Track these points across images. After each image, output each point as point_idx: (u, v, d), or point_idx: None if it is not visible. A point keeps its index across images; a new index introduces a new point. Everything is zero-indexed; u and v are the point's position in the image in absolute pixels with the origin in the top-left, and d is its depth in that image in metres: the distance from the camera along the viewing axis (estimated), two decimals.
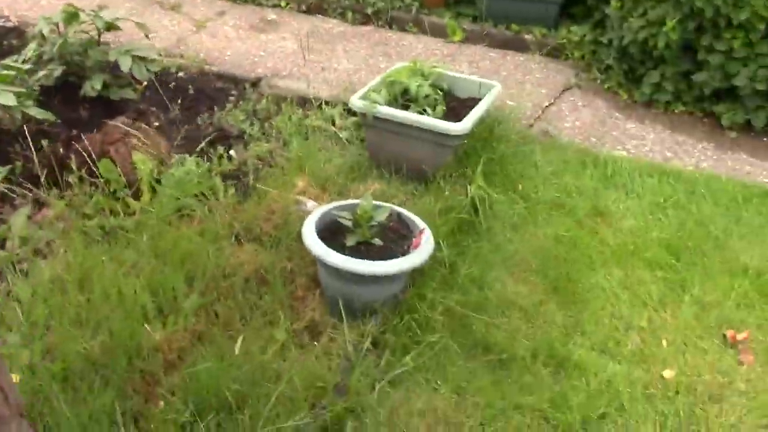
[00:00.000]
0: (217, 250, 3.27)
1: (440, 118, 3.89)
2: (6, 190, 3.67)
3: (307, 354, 2.86)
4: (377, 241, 3.04)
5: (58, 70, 4.27)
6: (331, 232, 3.14)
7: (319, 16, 6.31)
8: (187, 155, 3.93)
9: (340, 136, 4.43)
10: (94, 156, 3.68)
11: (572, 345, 3.02)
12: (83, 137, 3.85)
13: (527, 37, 5.85)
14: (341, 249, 2.99)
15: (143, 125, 4.01)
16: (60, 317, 2.86)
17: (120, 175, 3.65)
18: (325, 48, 5.73)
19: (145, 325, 2.86)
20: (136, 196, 3.67)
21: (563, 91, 5.28)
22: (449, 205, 3.59)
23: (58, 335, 2.76)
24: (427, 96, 3.97)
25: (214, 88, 5.02)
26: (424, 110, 3.91)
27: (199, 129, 4.50)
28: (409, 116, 3.80)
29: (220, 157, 4.15)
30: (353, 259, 2.85)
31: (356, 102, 3.93)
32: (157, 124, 4.54)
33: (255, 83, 5.09)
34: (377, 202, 3.22)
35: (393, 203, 3.67)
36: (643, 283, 3.37)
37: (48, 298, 2.95)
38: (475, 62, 5.58)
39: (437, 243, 3.26)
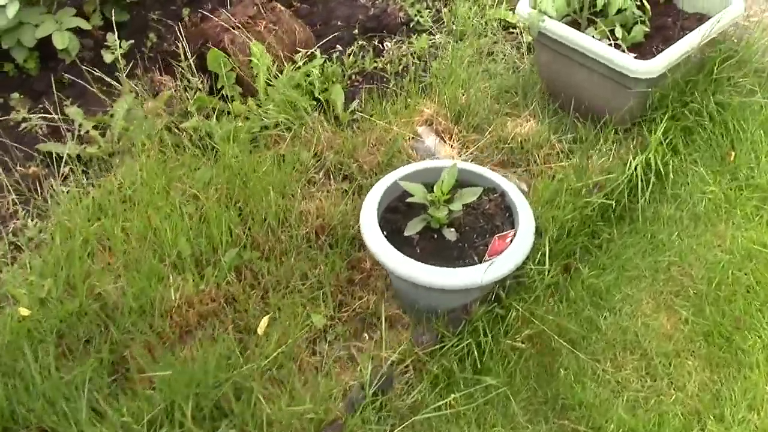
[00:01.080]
0: (290, 188, 2.73)
1: (636, 43, 2.83)
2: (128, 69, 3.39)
3: (330, 359, 2.31)
4: (450, 233, 2.28)
5: None
6: (410, 205, 2.43)
7: None
8: (318, 50, 3.31)
9: (522, 40, 3.48)
10: (209, 43, 3.23)
11: None
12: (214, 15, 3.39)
13: None
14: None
15: (279, 6, 3.43)
16: (90, 246, 2.57)
17: (232, 70, 3.17)
18: None
19: (170, 278, 2.48)
20: (251, 95, 3.20)
21: None
22: (604, 178, 2.64)
23: (79, 269, 2.48)
24: (622, 10, 2.87)
25: None
26: (612, 31, 2.84)
27: (364, 8, 3.81)
28: (578, 39, 2.79)
29: (365, 51, 3.48)
30: (396, 255, 2.16)
31: (522, 10, 2.97)
32: None
33: None
34: (472, 167, 2.42)
35: (534, 155, 2.84)
36: None
37: (97, 217, 2.67)
38: None
39: (552, 237, 2.42)
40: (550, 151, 2.86)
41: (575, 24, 2.96)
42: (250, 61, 3.19)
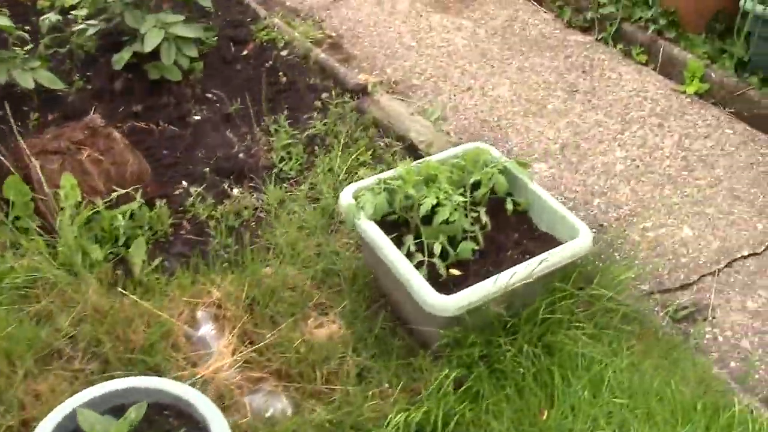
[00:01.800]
0: (24, 360, 2.35)
1: (466, 260, 2.44)
2: None
3: None
4: None
5: (92, 29, 3.52)
6: None
7: (533, 2, 4.67)
8: (139, 190, 2.96)
9: None
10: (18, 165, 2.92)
11: None
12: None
13: None
14: None
15: (116, 134, 3.11)
16: None
17: (29, 201, 2.84)
18: (501, 56, 4.19)
19: None
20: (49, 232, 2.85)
21: None
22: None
23: None
24: (450, 221, 2.48)
25: (307, 83, 3.88)
26: (431, 245, 2.45)
27: (228, 144, 3.45)
28: (384, 247, 2.42)
29: (206, 195, 3.12)
30: None
31: (343, 199, 2.60)
32: (198, 118, 3.61)
33: (355, 92, 3.82)
34: (189, 395, 2.01)
35: (318, 370, 2.42)
36: None
37: None
38: (693, 139, 3.66)
39: None
40: (337, 368, 2.45)
41: (404, 224, 2.58)
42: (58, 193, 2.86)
